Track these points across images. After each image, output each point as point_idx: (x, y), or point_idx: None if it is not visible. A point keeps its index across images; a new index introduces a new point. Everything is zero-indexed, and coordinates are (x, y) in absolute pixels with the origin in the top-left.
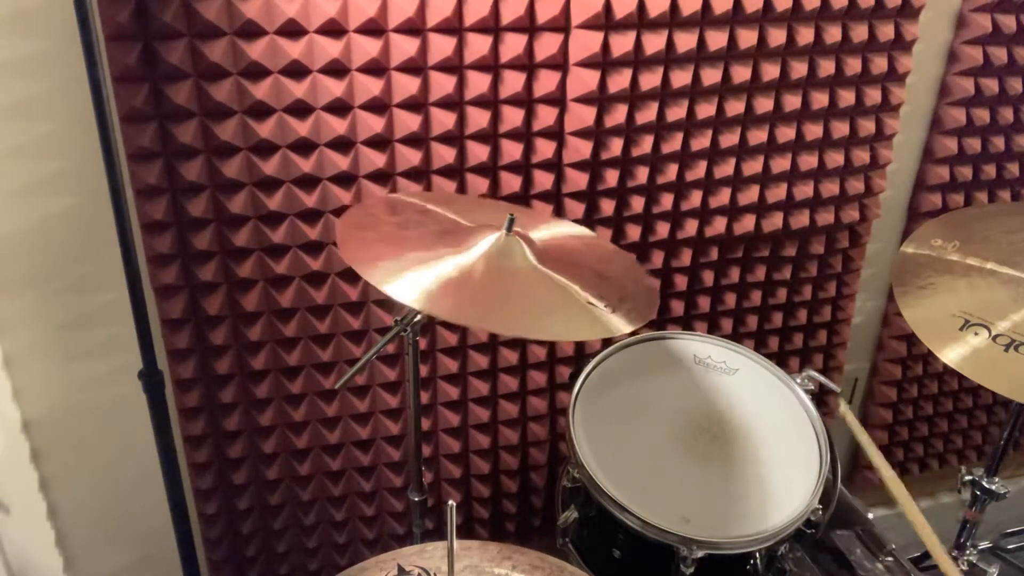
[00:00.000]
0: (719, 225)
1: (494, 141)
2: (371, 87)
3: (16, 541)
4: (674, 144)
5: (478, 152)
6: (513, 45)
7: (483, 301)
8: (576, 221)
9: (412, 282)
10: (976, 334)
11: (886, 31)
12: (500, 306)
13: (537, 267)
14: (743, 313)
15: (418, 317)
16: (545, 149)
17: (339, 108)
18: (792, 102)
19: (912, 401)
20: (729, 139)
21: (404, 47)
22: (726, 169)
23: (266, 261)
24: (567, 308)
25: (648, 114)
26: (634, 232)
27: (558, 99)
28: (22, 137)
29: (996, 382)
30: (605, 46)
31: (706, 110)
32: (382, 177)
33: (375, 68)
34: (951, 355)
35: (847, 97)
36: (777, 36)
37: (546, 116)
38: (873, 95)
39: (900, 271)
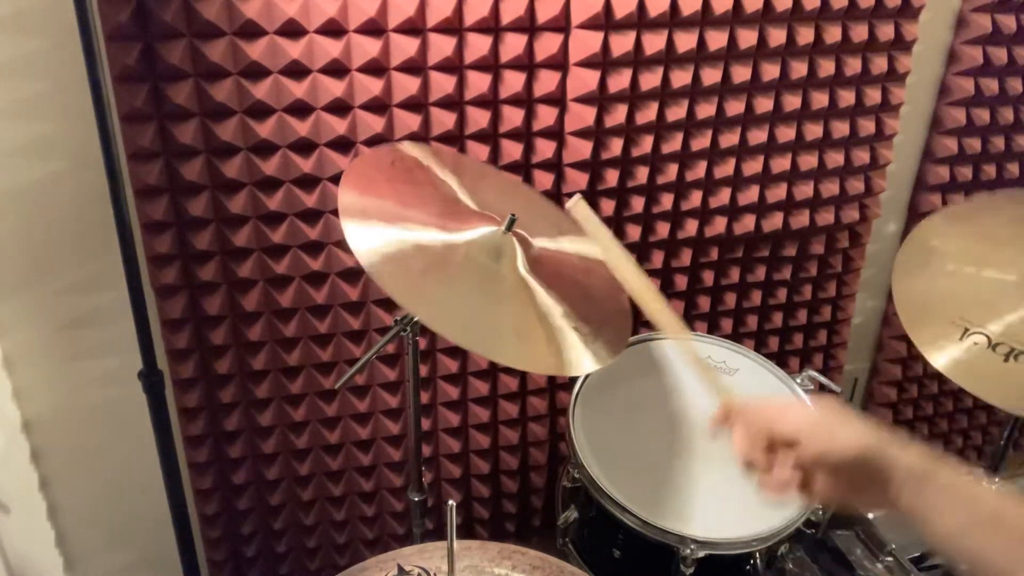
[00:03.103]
0: (719, 225)
1: (494, 141)
2: (371, 87)
3: (16, 541)
4: (674, 144)
5: (478, 152)
6: (513, 45)
7: (447, 294)
8: None
9: (381, 246)
10: (976, 344)
11: (886, 31)
12: (461, 305)
13: (522, 275)
14: (743, 313)
15: (417, 317)
16: (545, 149)
17: (339, 108)
18: (792, 102)
19: (912, 401)
20: (729, 139)
21: (404, 47)
22: (726, 169)
23: (266, 261)
24: (535, 330)
25: (648, 114)
26: (634, 232)
27: (558, 99)
28: (22, 137)
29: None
30: (605, 46)
31: (706, 110)
32: None
33: (375, 68)
34: (943, 360)
35: (847, 97)
36: (777, 36)
37: (546, 116)
38: (873, 95)
39: (900, 271)
